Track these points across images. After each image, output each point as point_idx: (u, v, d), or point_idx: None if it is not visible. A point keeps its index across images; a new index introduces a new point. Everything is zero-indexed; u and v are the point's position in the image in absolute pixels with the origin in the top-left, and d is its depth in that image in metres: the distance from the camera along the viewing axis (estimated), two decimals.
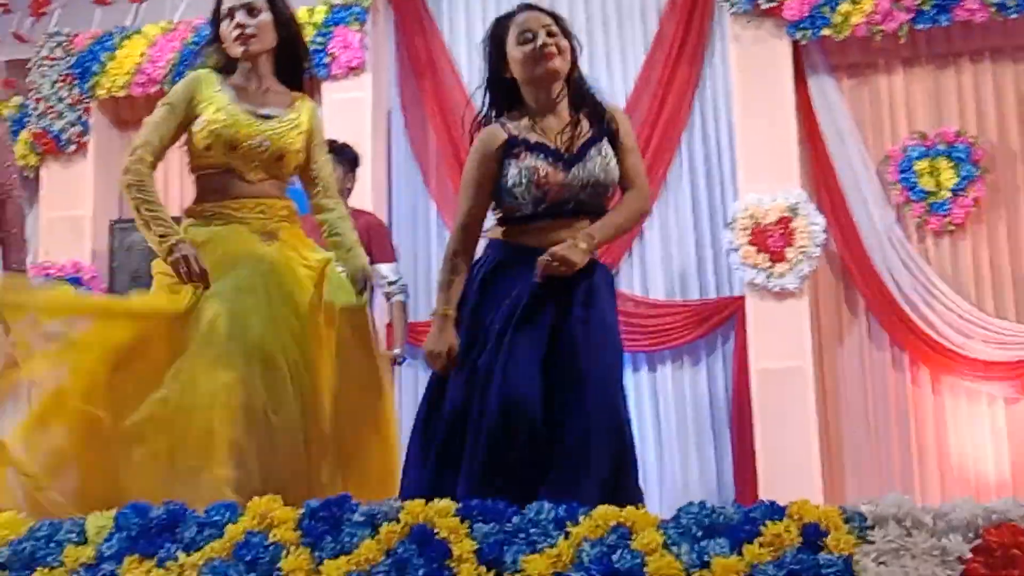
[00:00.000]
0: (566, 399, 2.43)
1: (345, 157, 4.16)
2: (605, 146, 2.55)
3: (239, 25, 2.70)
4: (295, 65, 2.89)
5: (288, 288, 2.66)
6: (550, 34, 2.55)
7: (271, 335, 2.58)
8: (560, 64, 2.51)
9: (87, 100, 5.26)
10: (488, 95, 2.67)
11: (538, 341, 2.44)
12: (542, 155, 2.51)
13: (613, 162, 2.53)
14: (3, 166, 3.50)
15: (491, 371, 2.43)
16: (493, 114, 2.65)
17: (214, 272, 2.53)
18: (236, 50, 2.73)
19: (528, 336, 2.45)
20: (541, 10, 2.63)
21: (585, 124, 2.55)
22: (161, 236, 2.53)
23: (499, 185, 2.55)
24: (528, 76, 2.54)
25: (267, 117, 2.76)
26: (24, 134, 5.13)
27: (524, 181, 2.50)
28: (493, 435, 2.38)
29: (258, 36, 2.75)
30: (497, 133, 2.53)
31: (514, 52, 2.58)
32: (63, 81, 5.18)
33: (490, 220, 2.61)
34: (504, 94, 2.64)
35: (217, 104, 2.71)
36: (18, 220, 3.52)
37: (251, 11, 2.75)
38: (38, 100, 5.19)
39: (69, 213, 5.11)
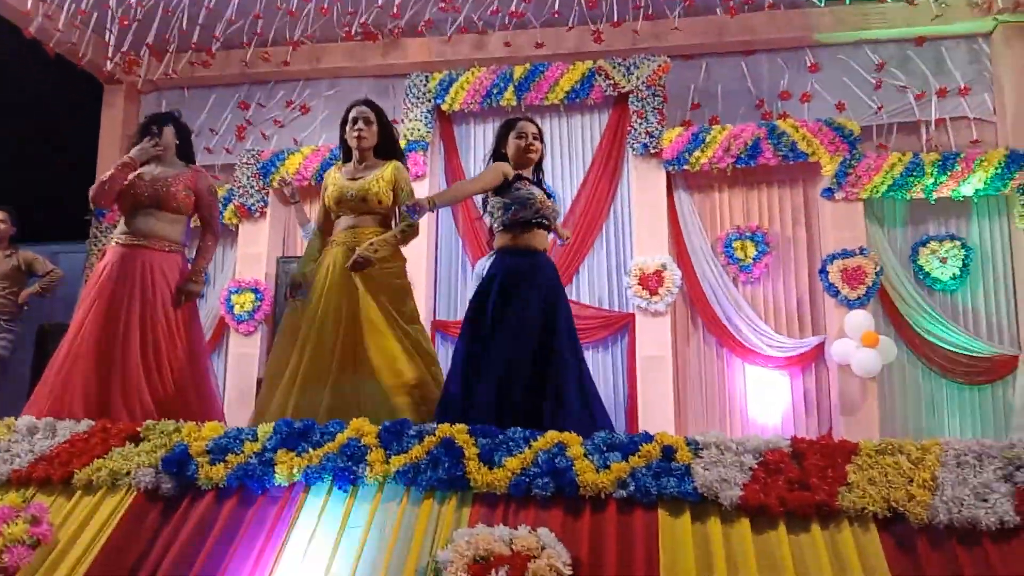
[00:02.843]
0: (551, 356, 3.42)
1: None
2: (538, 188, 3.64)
3: (358, 132, 3.80)
4: (389, 148, 3.94)
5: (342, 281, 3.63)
6: (534, 137, 3.66)
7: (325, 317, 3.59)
8: (534, 157, 3.69)
9: (267, 187, 7.27)
10: (493, 155, 3.75)
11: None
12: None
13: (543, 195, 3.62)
14: (212, 208, 4.26)
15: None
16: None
17: (315, 277, 3.73)
18: (353, 145, 3.83)
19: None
20: (532, 121, 3.74)
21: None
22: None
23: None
24: (515, 158, 3.66)
25: (356, 179, 3.78)
26: (230, 206, 7.15)
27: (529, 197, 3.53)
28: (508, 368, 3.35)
29: (368, 139, 3.82)
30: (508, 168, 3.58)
31: (512, 142, 3.65)
32: (254, 177, 7.28)
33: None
34: (502, 155, 3.69)
35: (332, 183, 3.84)
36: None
37: (367, 122, 3.83)
38: (239, 187, 7.27)
39: (253, 250, 7.21)
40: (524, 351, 3.41)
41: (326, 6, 6.63)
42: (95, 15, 6.60)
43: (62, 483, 2.83)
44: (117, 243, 4.02)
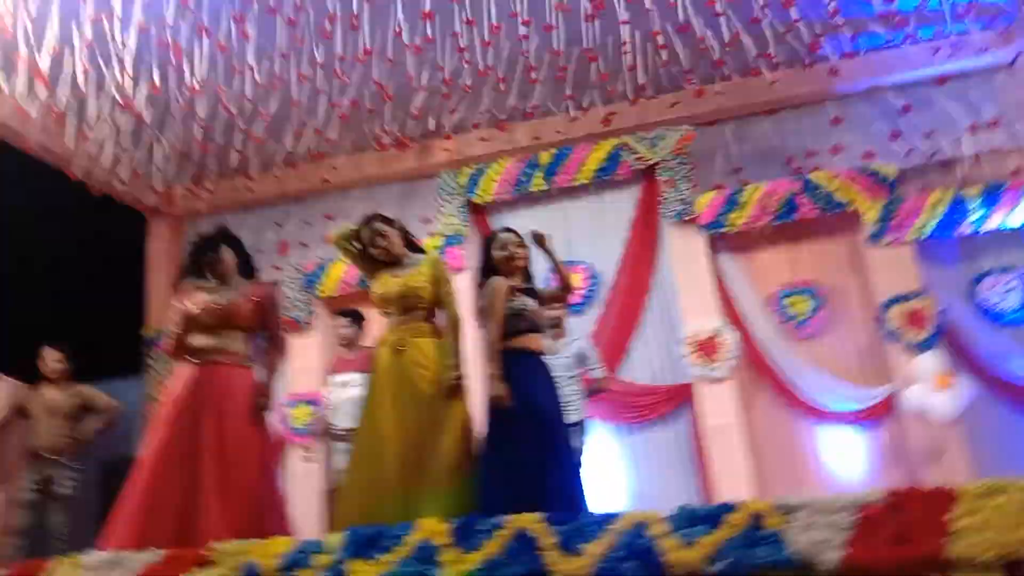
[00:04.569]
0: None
1: (357, 317, 5.84)
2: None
3: (381, 248, 3.93)
4: (414, 246, 4.09)
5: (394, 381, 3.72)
6: (516, 246, 3.89)
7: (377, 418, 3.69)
8: (520, 264, 3.90)
9: (312, 298, 7.35)
10: (481, 270, 3.96)
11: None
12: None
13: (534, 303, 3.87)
14: (276, 320, 4.27)
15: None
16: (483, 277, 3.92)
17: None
18: (383, 257, 3.93)
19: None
20: (512, 231, 3.95)
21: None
22: None
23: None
24: (503, 269, 3.89)
25: (398, 276, 3.88)
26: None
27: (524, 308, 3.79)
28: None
29: (391, 249, 3.93)
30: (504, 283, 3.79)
31: (496, 256, 3.90)
32: (300, 290, 7.36)
33: None
34: (490, 268, 3.92)
35: (378, 283, 3.93)
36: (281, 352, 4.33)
37: (383, 236, 3.93)
38: (286, 300, 7.22)
39: (305, 363, 7.04)
40: (534, 444, 3.53)
41: (346, 114, 6.64)
42: (134, 151, 6.76)
43: None
44: (190, 361, 4.01)
